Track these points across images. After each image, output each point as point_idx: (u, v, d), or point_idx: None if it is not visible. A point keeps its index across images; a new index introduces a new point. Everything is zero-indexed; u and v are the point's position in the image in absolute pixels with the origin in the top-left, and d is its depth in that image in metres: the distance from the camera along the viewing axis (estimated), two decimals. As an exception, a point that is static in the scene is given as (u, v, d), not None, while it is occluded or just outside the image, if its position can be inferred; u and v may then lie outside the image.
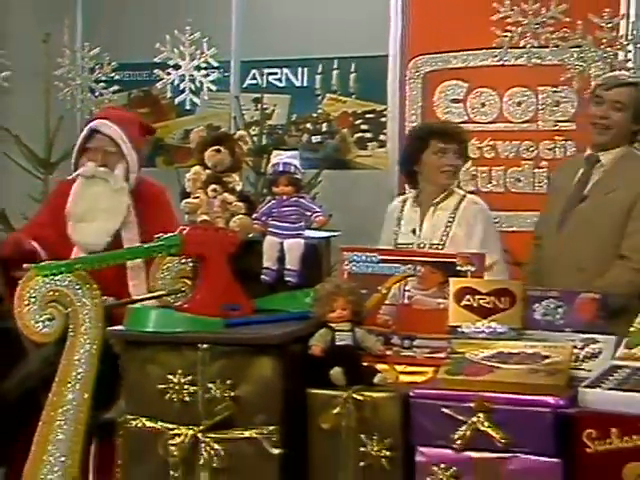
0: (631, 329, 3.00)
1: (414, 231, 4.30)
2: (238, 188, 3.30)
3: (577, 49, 4.99)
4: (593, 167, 4.14)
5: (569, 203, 4.17)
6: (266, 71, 6.86)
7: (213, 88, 5.90)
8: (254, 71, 6.83)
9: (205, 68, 5.87)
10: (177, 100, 5.92)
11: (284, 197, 3.29)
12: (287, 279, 3.27)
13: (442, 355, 3.05)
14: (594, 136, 4.14)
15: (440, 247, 4.16)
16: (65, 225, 4.10)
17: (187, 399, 3.00)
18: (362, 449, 2.85)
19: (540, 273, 4.17)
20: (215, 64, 5.88)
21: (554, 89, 5.33)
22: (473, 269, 3.20)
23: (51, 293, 3.04)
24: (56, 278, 3.04)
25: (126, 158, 4.16)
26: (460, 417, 2.75)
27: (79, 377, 3.05)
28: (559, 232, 4.17)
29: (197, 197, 3.24)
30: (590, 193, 4.13)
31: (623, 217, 4.03)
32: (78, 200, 4.12)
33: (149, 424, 3.04)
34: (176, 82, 5.89)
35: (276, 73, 6.86)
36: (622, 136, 4.12)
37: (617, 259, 4.02)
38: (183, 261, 3.32)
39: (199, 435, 2.98)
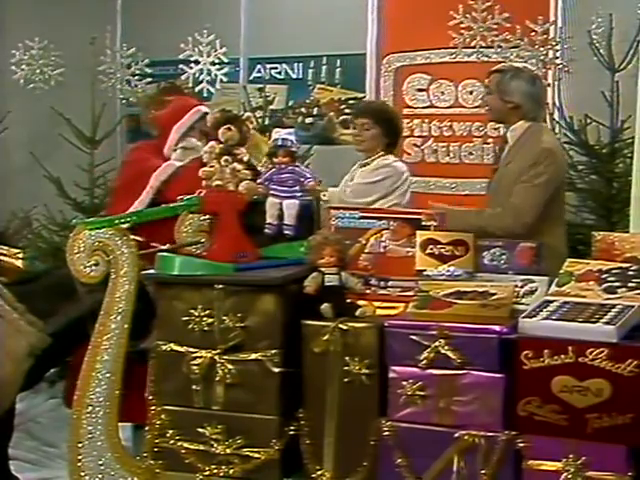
0: (560, 271, 2.97)
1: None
2: (245, 159, 3.26)
3: (516, 49, 4.95)
4: (505, 142, 4.06)
5: (492, 174, 4.12)
6: (268, 66, 6.83)
7: (225, 79, 5.87)
8: (259, 66, 6.80)
9: (219, 63, 5.82)
10: (197, 89, 5.86)
11: (282, 166, 3.26)
12: (285, 232, 3.24)
13: (411, 293, 3.02)
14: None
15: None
16: None
17: (206, 328, 2.98)
18: (346, 368, 2.83)
19: None
20: (226, 60, 5.83)
21: (498, 81, 5.28)
22: (435, 224, 3.17)
23: (96, 244, 3.02)
24: (100, 231, 3.02)
25: None
26: (425, 342, 2.73)
27: (120, 311, 3.03)
28: (486, 196, 4.13)
29: (212, 166, 3.20)
30: (499, 165, 4.05)
31: (512, 185, 3.86)
32: None
33: (176, 348, 3.02)
34: (196, 75, 5.84)
35: (276, 67, 6.84)
36: (506, 113, 3.98)
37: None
38: (202, 218, 3.28)
39: (216, 357, 2.97)
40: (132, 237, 3.07)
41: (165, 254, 3.16)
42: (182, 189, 3.67)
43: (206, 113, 4.24)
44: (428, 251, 3.11)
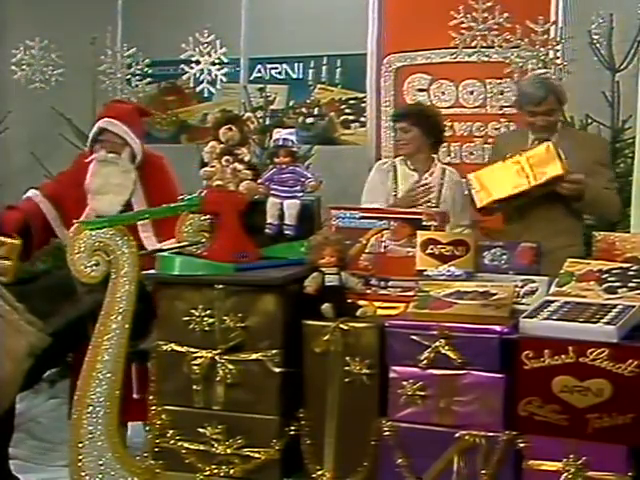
0: (561, 271, 2.98)
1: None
2: (246, 159, 3.27)
3: (517, 49, 4.94)
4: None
5: None
6: (269, 66, 6.82)
7: (224, 79, 5.86)
8: (259, 66, 6.79)
9: (219, 64, 5.82)
10: (198, 89, 5.86)
11: (283, 166, 3.27)
12: (286, 232, 3.25)
13: (411, 293, 3.03)
14: (536, 134, 4.06)
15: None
16: (81, 191, 4.11)
17: (206, 328, 2.99)
18: (347, 368, 2.84)
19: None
20: (227, 60, 5.83)
21: (499, 81, 5.27)
22: (436, 224, 3.17)
23: (97, 243, 3.02)
24: (101, 231, 3.02)
25: (131, 145, 4.12)
26: (425, 342, 2.74)
27: (121, 311, 3.04)
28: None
29: (213, 166, 3.21)
30: None
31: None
32: (94, 178, 4.08)
33: (176, 348, 3.03)
34: (197, 75, 5.84)
35: (277, 68, 6.83)
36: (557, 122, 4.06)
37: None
38: (202, 218, 3.29)
39: (216, 357, 2.97)
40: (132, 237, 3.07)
41: (166, 254, 3.16)
42: None
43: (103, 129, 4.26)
44: (428, 251, 3.11)
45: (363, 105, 6.09)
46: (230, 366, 2.95)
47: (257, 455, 2.94)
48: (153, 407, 3.06)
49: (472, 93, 5.33)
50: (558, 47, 4.95)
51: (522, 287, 3.00)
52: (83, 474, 3.01)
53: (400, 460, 2.75)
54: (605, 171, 4.01)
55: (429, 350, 2.72)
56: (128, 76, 6.38)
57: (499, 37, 4.99)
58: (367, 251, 3.19)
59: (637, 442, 2.55)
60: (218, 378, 2.96)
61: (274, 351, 2.92)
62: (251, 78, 6.49)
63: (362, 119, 6.22)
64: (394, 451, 2.76)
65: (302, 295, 2.92)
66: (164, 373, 3.06)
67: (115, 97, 6.46)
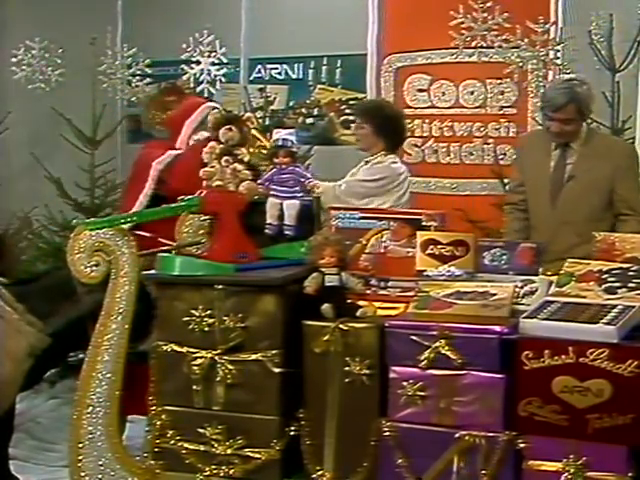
0: (561, 272, 2.98)
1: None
2: (246, 159, 3.27)
3: (517, 49, 4.95)
4: (566, 150, 3.99)
5: (557, 183, 3.98)
6: (269, 66, 6.84)
7: (225, 80, 5.87)
8: (259, 66, 6.80)
9: (219, 64, 5.82)
10: (198, 89, 5.86)
11: (283, 166, 3.27)
12: (286, 232, 3.25)
13: (411, 293, 3.02)
14: (552, 139, 4.02)
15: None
16: None
17: (206, 329, 2.98)
18: (347, 368, 2.83)
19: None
20: (227, 60, 5.84)
21: (499, 81, 5.28)
22: (435, 224, 3.17)
23: (97, 244, 3.01)
24: (101, 232, 3.01)
25: None
26: (425, 342, 2.74)
27: (121, 311, 3.03)
28: (553, 207, 3.97)
29: (213, 166, 3.20)
30: (575, 173, 3.95)
31: (609, 185, 3.90)
32: None
33: (176, 348, 3.03)
34: (197, 75, 5.84)
35: (277, 68, 6.84)
36: (580, 130, 3.99)
37: (611, 218, 3.91)
38: (202, 218, 3.28)
39: (216, 357, 2.97)
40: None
41: (166, 254, 3.16)
42: (182, 176, 3.66)
43: (216, 108, 4.26)
44: (428, 251, 3.11)
45: (363, 105, 6.10)
46: (230, 366, 2.95)
47: (257, 455, 2.94)
48: (153, 407, 3.06)
49: (472, 93, 5.35)
50: (558, 47, 4.95)
51: (522, 287, 3.00)
52: (83, 474, 3.01)
53: (400, 460, 2.75)
54: (628, 179, 3.96)
55: (429, 350, 2.72)
56: (128, 76, 6.39)
57: (499, 37, 4.99)
58: (367, 251, 3.19)
59: (637, 442, 2.55)
60: (218, 378, 2.96)
61: (274, 351, 2.92)
62: (251, 78, 6.50)
63: (362, 120, 6.22)
64: (394, 451, 2.76)
65: (302, 295, 2.92)
66: (164, 373, 3.06)
67: (115, 97, 6.47)
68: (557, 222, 3.91)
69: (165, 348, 3.04)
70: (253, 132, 3.77)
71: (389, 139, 4.30)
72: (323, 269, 2.94)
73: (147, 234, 3.24)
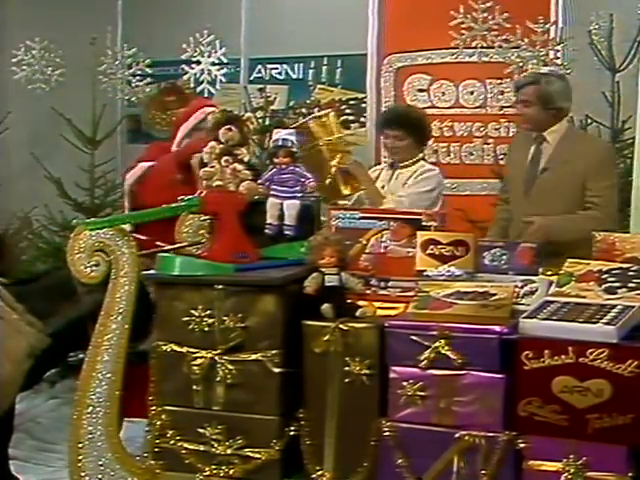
0: (560, 272, 2.98)
1: (382, 187, 4.27)
2: (246, 159, 3.26)
3: (517, 49, 4.96)
4: (541, 144, 4.04)
5: (530, 174, 4.05)
6: (269, 66, 6.85)
7: (224, 80, 5.87)
8: (259, 66, 6.81)
9: (219, 64, 5.83)
10: (198, 89, 5.87)
11: (283, 166, 3.26)
12: (286, 232, 3.24)
13: (411, 294, 3.02)
14: (522, 128, 4.19)
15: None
16: None
17: (206, 329, 2.98)
18: (347, 369, 2.83)
19: (509, 231, 4.10)
20: (227, 60, 5.84)
21: (499, 81, 5.30)
22: (436, 224, 3.17)
23: (97, 244, 3.00)
24: (101, 232, 3.01)
25: None
26: (425, 342, 2.73)
27: (120, 311, 3.02)
28: (527, 198, 4.04)
29: (213, 166, 3.20)
30: (549, 165, 4.01)
31: (580, 181, 3.93)
32: None
33: (176, 348, 3.02)
34: (197, 75, 5.85)
35: (277, 68, 6.85)
36: (549, 119, 4.02)
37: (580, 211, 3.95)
38: (202, 218, 3.28)
39: (216, 357, 2.96)
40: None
41: (166, 254, 3.16)
42: (153, 190, 3.65)
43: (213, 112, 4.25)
44: (428, 251, 3.11)
45: (363, 105, 6.12)
46: (230, 366, 2.95)
47: (257, 455, 2.94)
48: (153, 407, 3.06)
49: (472, 93, 5.36)
50: (558, 47, 4.96)
51: (522, 287, 3.00)
52: (83, 474, 3.00)
53: (400, 460, 2.75)
54: (602, 178, 3.98)
55: (429, 350, 2.72)
56: (128, 76, 6.40)
57: (499, 37, 5.00)
58: (367, 251, 3.19)
59: (637, 442, 2.54)
60: (218, 378, 2.96)
61: (274, 351, 2.92)
62: (251, 78, 6.52)
63: (362, 119, 6.23)
64: (394, 451, 2.76)
65: (302, 295, 2.92)
66: (164, 373, 3.05)
67: (115, 97, 6.47)
68: (530, 213, 3.93)
69: (165, 348, 3.04)
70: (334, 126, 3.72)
71: (425, 146, 4.35)
72: (323, 269, 2.94)
73: (144, 237, 3.23)
